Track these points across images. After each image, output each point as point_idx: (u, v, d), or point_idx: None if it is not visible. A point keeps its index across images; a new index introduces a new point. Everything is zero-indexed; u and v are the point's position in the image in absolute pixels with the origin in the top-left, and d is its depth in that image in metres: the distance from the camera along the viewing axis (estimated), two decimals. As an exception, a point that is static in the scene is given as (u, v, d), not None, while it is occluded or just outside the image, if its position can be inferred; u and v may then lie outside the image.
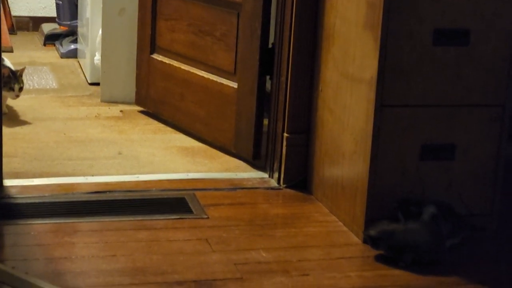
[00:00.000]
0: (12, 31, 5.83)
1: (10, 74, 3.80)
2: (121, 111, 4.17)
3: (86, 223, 2.84)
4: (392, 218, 2.73)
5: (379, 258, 2.69)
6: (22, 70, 3.92)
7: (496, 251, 2.86)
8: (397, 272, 2.63)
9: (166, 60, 3.90)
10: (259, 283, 2.48)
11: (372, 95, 2.75)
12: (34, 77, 4.71)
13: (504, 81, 2.84)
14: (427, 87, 2.78)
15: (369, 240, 2.69)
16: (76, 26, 5.26)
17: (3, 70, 3.64)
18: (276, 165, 3.32)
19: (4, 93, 3.69)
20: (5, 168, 3.12)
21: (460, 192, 2.88)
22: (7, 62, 3.96)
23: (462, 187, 2.88)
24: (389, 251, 2.67)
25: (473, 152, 2.87)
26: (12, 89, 3.79)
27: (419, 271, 2.63)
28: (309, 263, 2.66)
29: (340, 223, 2.96)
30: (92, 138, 3.73)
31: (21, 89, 3.84)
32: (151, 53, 3.99)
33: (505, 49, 2.82)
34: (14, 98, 3.86)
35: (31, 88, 4.45)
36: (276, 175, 3.33)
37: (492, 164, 2.90)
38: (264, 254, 2.69)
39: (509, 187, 3.21)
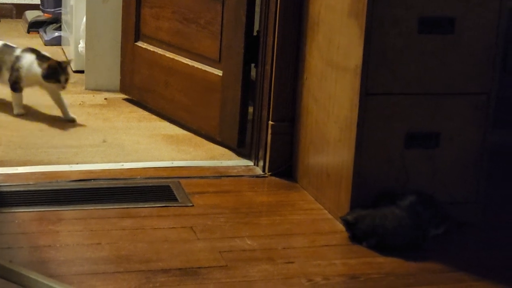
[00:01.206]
0: (-5, 18, 5.79)
1: (57, 65, 3.69)
2: (105, 99, 4.15)
3: (70, 211, 2.83)
4: (375, 206, 2.74)
5: (378, 251, 2.70)
6: (68, 62, 3.92)
7: (481, 239, 2.87)
8: (381, 259, 2.64)
9: (150, 47, 3.89)
10: (244, 271, 2.49)
11: (356, 83, 2.75)
12: (18, 65, 4.67)
13: (489, 69, 2.84)
14: (412, 75, 2.78)
15: (345, 224, 2.71)
16: (60, 13, 5.23)
17: (49, 62, 3.67)
18: (261, 153, 3.32)
19: (50, 85, 3.69)
20: (-12, 156, 3.11)
21: (445, 180, 2.89)
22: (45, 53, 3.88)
23: (446, 175, 2.89)
24: (360, 234, 2.70)
25: (458, 140, 2.88)
26: (59, 81, 3.68)
27: (404, 259, 2.64)
28: (294, 250, 2.66)
29: (325, 211, 2.96)
30: (77, 126, 3.71)
31: (67, 80, 3.72)
32: (136, 40, 3.97)
33: (490, 37, 2.82)
34: (61, 90, 3.74)
35: (14, 75, 4.42)
36: (261, 163, 3.33)
37: (477, 152, 2.91)
38: (249, 242, 2.69)
39: (494, 175, 3.22)
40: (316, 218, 2.90)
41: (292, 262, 2.57)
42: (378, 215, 2.69)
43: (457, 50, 2.80)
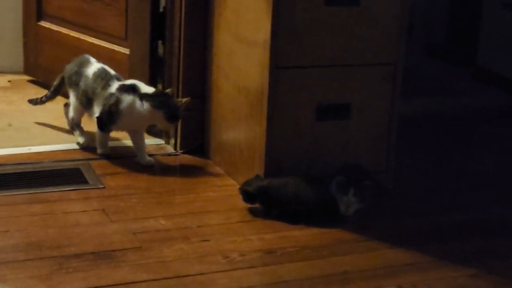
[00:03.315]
0: None
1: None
2: (9, 81, 4.03)
3: (-24, 199, 2.74)
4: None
5: (279, 220, 2.70)
6: (189, 100, 3.12)
7: (393, 207, 2.91)
8: (297, 232, 2.65)
9: (54, 27, 3.80)
10: (159, 251, 2.46)
11: (266, 58, 2.74)
12: None
13: (396, 40, 2.87)
14: (321, 48, 2.79)
15: (244, 195, 2.73)
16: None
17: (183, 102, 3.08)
18: (172, 131, 3.28)
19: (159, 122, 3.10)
20: None
21: (356, 150, 2.92)
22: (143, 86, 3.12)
23: (358, 146, 2.92)
24: (262, 204, 2.73)
25: (368, 111, 2.91)
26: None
27: (319, 231, 2.66)
28: (209, 228, 2.65)
29: (237, 186, 2.95)
30: (-20, 110, 3.60)
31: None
32: (38, 20, 3.86)
33: (396, 8, 2.85)
34: (169, 129, 3.24)
35: None
36: (172, 141, 3.30)
37: (386, 122, 2.94)
38: (163, 222, 2.66)
39: (404, 144, 3.27)
40: (230, 195, 2.89)
41: (207, 240, 2.56)
42: (278, 185, 2.71)
43: (364, 21, 2.81)
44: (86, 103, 3.14)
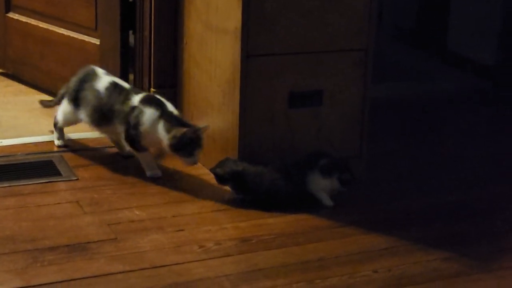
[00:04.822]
0: None
1: (193, 136, 2.77)
2: (-22, 74, 3.99)
3: None
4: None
5: (252, 208, 2.71)
6: (206, 127, 2.82)
7: (366, 192, 2.93)
8: (271, 220, 2.65)
9: (23, 18, 3.75)
10: (134, 242, 2.45)
11: (237, 46, 2.73)
12: None
13: (366, 26, 2.88)
14: (292, 35, 2.79)
15: (216, 177, 2.74)
16: None
17: (182, 132, 2.75)
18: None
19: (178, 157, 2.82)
20: None
21: (329, 137, 2.92)
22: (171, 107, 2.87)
23: (330, 132, 2.93)
24: (235, 190, 2.75)
25: (340, 97, 2.91)
26: (192, 155, 2.78)
27: (294, 219, 2.67)
28: (184, 218, 2.64)
29: (213, 176, 2.94)
30: (-51, 104, 3.56)
31: (200, 152, 2.83)
32: (7, 11, 3.82)
33: (365, -7, 2.85)
34: (191, 165, 2.86)
35: None
36: (145, 131, 3.28)
37: (358, 108, 2.95)
38: (137, 212, 2.65)
39: (376, 129, 3.29)
40: (204, 184, 2.89)
41: (182, 230, 2.56)
42: (252, 172, 2.72)
43: (335, 8, 2.81)
44: (99, 120, 2.92)
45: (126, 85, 2.94)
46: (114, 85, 2.90)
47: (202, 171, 2.99)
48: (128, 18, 3.30)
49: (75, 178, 2.88)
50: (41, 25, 3.67)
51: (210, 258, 2.39)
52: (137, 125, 2.80)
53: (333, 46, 2.86)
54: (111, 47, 3.37)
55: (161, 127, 2.77)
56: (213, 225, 2.60)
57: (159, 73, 3.22)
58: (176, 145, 2.74)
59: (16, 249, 2.37)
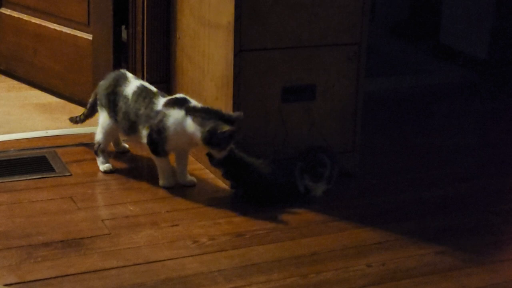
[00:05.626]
0: None
1: (232, 131, 2.64)
2: (-29, 69, 3.98)
3: None
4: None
5: (246, 203, 2.71)
6: (240, 117, 2.70)
7: (359, 186, 2.93)
8: (265, 215, 2.65)
9: (15, 14, 3.74)
10: (128, 238, 2.45)
11: (230, 41, 2.73)
12: None
13: (359, 20, 2.88)
14: (285, 30, 2.78)
15: (210, 158, 2.72)
16: None
17: (224, 129, 2.61)
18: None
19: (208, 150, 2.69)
20: None
21: (322, 131, 2.93)
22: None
23: (324, 127, 2.93)
24: (226, 174, 2.75)
25: (333, 91, 2.91)
26: (225, 149, 2.67)
27: (288, 213, 2.67)
28: (178, 213, 2.64)
29: (207, 171, 2.95)
30: None
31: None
32: (-1, 7, 3.82)
33: (358, -13, 2.85)
34: (219, 157, 2.70)
35: None
36: (138, 126, 3.27)
37: (351, 102, 2.95)
38: (131, 208, 2.65)
39: (369, 123, 3.29)
40: (198, 179, 2.88)
41: (176, 225, 2.56)
42: (245, 165, 2.72)
43: (328, 2, 2.81)
44: (129, 128, 2.79)
45: (153, 89, 2.81)
46: (141, 89, 2.78)
47: (196, 166, 2.99)
48: (121, 13, 3.29)
49: (69, 174, 2.88)
50: (33, 21, 3.66)
51: (204, 253, 2.40)
52: (161, 130, 2.68)
53: (326, 41, 2.86)
54: (103, 42, 3.36)
55: (189, 124, 2.65)
56: (206, 220, 2.60)
57: (152, 68, 3.21)
58: (212, 139, 2.62)
59: (9, 245, 2.37)
